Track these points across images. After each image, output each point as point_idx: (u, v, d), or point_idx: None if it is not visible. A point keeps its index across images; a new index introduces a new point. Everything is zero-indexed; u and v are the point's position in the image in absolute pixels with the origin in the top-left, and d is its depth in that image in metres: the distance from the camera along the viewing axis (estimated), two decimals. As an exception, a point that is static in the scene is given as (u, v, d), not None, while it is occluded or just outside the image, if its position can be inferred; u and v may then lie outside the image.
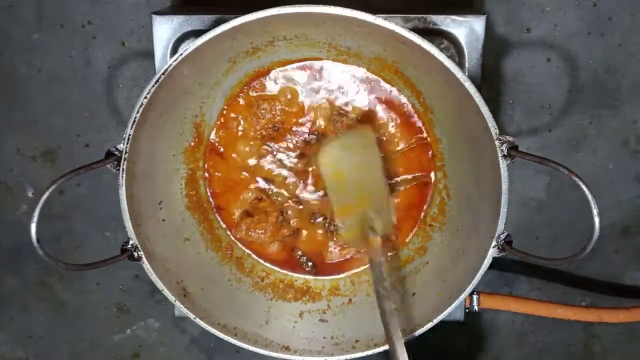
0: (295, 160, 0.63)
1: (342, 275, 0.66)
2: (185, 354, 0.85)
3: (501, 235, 0.51)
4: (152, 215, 0.58)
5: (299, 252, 0.66)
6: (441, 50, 0.49)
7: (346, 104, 0.62)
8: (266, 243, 0.65)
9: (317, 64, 0.61)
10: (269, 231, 0.64)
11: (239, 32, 0.50)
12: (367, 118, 0.62)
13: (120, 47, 0.72)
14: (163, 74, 0.49)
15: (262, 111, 0.62)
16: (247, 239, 0.65)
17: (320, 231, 0.65)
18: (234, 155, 0.63)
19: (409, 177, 0.64)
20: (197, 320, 0.57)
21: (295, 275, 0.67)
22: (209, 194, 0.65)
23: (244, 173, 0.64)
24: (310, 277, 0.66)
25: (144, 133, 0.52)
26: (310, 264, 0.66)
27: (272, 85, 0.62)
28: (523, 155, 0.48)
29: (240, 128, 0.63)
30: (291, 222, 0.65)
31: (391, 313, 0.52)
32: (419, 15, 0.59)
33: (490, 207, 0.52)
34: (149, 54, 0.64)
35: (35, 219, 0.46)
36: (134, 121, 0.50)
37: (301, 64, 0.61)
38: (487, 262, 0.52)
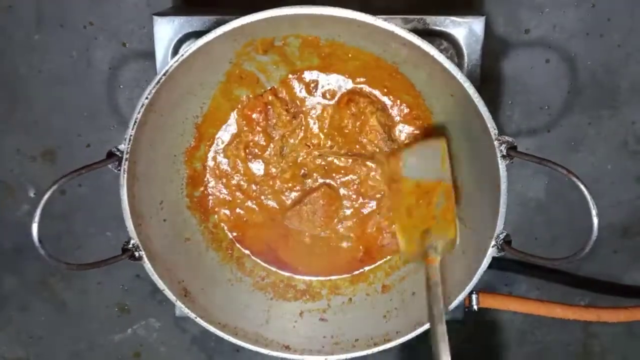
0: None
1: (342, 276, 0.67)
2: (185, 354, 0.85)
3: (500, 235, 0.51)
4: (153, 215, 0.58)
5: None
6: (440, 51, 0.49)
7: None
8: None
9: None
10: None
11: (239, 33, 0.50)
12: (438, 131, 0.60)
13: (121, 47, 0.72)
14: (164, 74, 0.50)
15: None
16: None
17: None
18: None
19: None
20: (198, 320, 0.57)
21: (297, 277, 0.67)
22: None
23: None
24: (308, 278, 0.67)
25: (145, 134, 0.53)
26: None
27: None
28: (522, 155, 0.48)
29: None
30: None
31: (443, 336, 0.50)
32: (418, 16, 0.59)
33: (490, 207, 0.52)
34: (150, 55, 0.65)
35: (36, 218, 0.47)
36: (135, 122, 0.50)
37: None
38: (486, 261, 0.52)
